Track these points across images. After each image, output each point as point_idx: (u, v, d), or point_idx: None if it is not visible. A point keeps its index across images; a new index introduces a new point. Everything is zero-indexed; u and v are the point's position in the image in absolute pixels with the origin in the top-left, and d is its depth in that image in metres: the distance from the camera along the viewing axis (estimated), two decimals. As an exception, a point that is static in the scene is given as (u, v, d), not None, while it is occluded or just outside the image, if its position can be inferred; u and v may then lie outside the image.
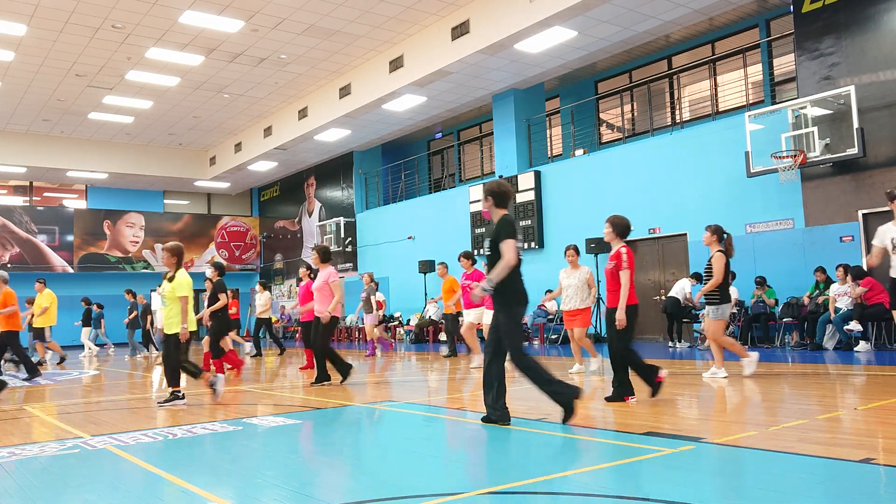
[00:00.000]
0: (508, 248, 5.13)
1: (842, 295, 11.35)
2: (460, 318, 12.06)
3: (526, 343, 12.06)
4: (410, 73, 16.41)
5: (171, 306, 7.26)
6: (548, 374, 5.24)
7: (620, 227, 6.47)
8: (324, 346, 8.76)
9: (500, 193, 5.39)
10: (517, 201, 17.63)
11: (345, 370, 8.74)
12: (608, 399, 6.38)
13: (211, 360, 10.29)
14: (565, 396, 5.22)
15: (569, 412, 5.22)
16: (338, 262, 24.00)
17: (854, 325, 10.85)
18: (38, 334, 14.57)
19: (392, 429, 5.86)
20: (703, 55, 16.45)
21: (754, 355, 8.01)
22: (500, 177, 18.24)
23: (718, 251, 7.78)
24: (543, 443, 4.92)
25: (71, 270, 25.41)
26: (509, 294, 5.27)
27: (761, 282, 12.68)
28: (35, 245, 25.01)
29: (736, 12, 14.82)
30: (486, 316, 10.77)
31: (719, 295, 7.77)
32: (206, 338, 10.90)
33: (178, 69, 17.58)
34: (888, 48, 11.61)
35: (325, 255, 9.10)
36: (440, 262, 13.73)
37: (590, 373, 9.06)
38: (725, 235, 7.90)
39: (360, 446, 5.10)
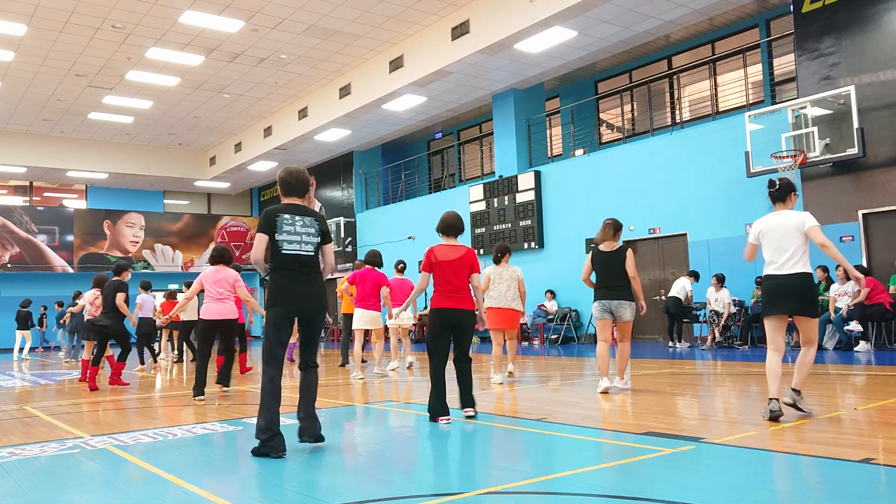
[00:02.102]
0: (255, 242, 4.71)
1: (842, 295, 11.35)
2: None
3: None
4: (410, 73, 16.41)
5: None
6: (268, 415, 4.53)
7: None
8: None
9: (284, 183, 4.84)
10: (517, 201, 17.64)
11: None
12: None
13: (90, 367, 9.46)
14: (264, 445, 4.50)
15: (257, 451, 4.53)
16: (338, 262, 24.01)
17: (854, 326, 10.85)
18: None
19: (392, 429, 5.86)
20: (703, 55, 16.45)
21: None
22: (502, 176, 18.24)
23: (628, 247, 7.13)
24: (543, 443, 4.91)
25: (71, 270, 25.42)
26: (269, 292, 4.76)
27: (762, 282, 12.66)
28: (35, 245, 25.01)
29: (736, 12, 14.82)
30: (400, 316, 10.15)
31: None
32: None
33: (178, 69, 17.58)
34: (888, 48, 11.61)
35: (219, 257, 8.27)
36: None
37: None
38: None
39: (359, 446, 5.10)
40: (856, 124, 11.43)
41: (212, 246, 28.54)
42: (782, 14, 14.73)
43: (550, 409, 6.10)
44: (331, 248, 4.95)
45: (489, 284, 8.43)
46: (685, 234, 14.42)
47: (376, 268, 10.32)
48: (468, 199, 19.06)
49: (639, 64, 17.74)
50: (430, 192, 22.52)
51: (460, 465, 4.32)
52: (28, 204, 25.77)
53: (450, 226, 5.97)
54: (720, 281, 12.84)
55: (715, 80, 16.10)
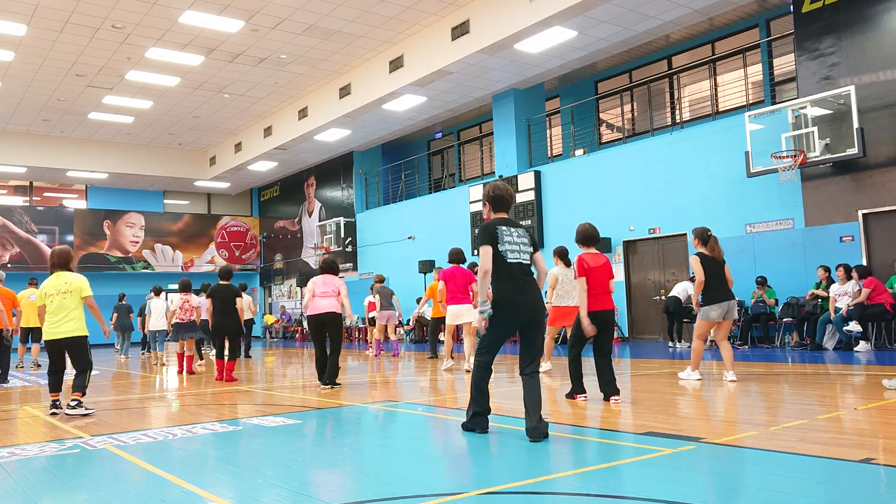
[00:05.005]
0: (482, 254, 5.00)
1: (842, 295, 11.35)
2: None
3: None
4: (410, 73, 16.41)
5: None
6: (480, 398, 5.07)
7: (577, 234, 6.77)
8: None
9: (494, 199, 5.15)
10: (517, 201, 17.63)
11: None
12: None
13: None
14: (471, 421, 5.08)
15: (466, 426, 5.13)
16: (338, 262, 23.96)
17: (853, 326, 10.85)
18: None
19: (392, 429, 5.86)
20: (703, 55, 16.45)
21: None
22: (501, 176, 18.25)
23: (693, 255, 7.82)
24: (544, 443, 4.91)
25: (71, 270, 25.38)
26: (496, 300, 5.07)
27: (762, 282, 12.68)
28: (35, 245, 25.02)
29: (736, 12, 14.82)
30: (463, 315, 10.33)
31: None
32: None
33: (178, 69, 17.59)
34: (888, 48, 11.61)
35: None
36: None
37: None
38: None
39: (360, 446, 5.10)
40: (856, 124, 11.43)
41: (216, 254, 28.56)
42: (782, 14, 14.73)
43: (550, 409, 6.11)
44: (541, 256, 5.18)
45: (557, 284, 9.10)
46: (685, 234, 14.41)
47: (461, 265, 10.48)
48: (468, 199, 19.05)
49: (639, 64, 17.74)
50: (430, 192, 22.52)
51: (460, 465, 4.32)
52: (28, 204, 25.77)
53: (589, 237, 6.63)
54: (720, 280, 12.84)
55: (715, 80, 16.10)
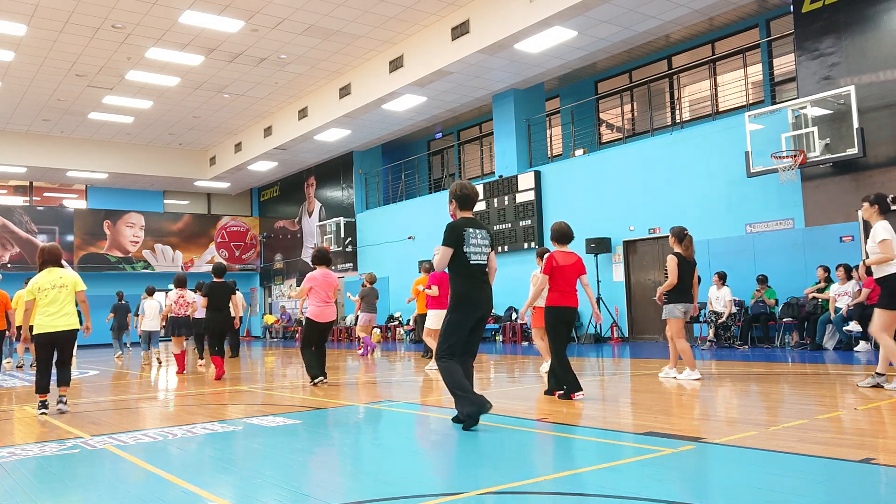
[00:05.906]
0: (441, 254, 5.35)
1: (842, 295, 11.35)
2: None
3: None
4: (410, 73, 16.41)
5: None
6: (464, 393, 5.21)
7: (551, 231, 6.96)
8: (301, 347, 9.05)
9: (460, 197, 5.45)
10: (517, 201, 17.63)
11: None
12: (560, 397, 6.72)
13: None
14: (469, 418, 5.19)
15: (458, 420, 5.31)
16: (338, 262, 24.00)
17: (853, 326, 10.85)
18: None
19: (392, 429, 5.86)
20: (703, 55, 16.45)
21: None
22: (501, 176, 18.23)
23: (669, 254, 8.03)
24: (543, 443, 4.92)
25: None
26: (456, 298, 5.39)
27: (763, 280, 12.68)
28: (35, 245, 25.01)
29: (736, 12, 14.82)
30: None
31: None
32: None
33: (178, 69, 17.59)
34: (888, 48, 11.61)
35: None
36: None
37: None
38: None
39: (359, 446, 5.10)
40: (856, 124, 11.43)
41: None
42: (782, 14, 14.73)
43: (550, 409, 6.11)
44: (494, 256, 5.58)
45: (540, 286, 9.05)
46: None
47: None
48: (468, 199, 19.02)
49: (639, 64, 17.74)
50: (430, 192, 22.51)
51: (460, 464, 4.32)
52: (28, 204, 25.78)
53: (563, 234, 6.85)
54: (722, 279, 12.84)
55: (715, 80, 16.10)
